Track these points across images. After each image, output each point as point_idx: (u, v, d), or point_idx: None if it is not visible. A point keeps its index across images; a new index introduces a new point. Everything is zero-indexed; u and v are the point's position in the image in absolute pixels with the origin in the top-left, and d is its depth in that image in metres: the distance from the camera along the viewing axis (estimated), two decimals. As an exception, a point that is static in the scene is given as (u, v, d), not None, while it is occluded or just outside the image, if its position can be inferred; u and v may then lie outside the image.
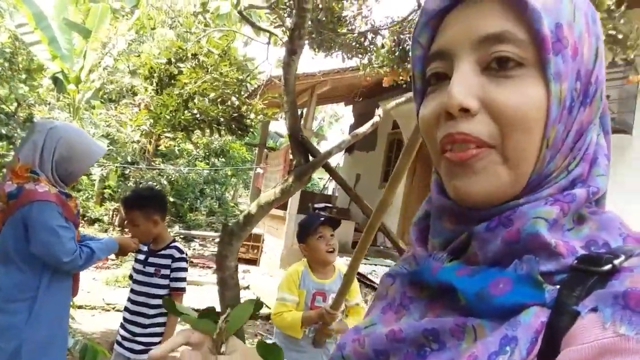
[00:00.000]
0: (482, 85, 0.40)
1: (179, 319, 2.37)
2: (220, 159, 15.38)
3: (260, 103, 5.89)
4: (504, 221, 0.39)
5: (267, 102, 6.11)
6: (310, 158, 3.26)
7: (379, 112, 3.61)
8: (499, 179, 0.40)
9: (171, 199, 11.34)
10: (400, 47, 5.74)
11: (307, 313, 2.11)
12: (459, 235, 0.43)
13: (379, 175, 9.47)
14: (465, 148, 0.40)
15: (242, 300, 2.62)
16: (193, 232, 11.22)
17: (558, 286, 0.36)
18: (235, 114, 5.63)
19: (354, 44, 5.84)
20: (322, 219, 2.26)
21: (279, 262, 8.19)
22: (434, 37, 0.45)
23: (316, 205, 9.38)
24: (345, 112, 22.25)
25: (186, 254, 2.27)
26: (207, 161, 14.89)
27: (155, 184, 9.87)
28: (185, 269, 2.27)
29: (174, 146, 11.35)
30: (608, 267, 0.35)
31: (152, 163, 10.53)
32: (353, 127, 10.60)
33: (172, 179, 11.08)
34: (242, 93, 5.75)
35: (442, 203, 0.45)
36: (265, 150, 11.37)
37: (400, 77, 5.77)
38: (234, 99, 5.60)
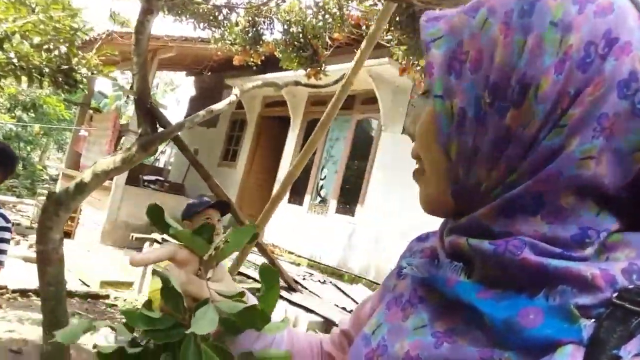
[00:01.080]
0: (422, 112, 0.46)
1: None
2: (29, 113, 13.23)
3: (96, 58, 5.29)
4: (510, 249, 0.37)
5: (102, 59, 5.51)
6: (158, 127, 3.10)
7: (235, 91, 3.60)
8: (425, 189, 0.45)
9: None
10: (255, 29, 5.74)
11: None
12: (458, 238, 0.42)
13: (220, 153, 9.35)
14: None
15: (65, 277, 2.36)
16: (-13, 195, 9.52)
17: (594, 321, 0.33)
18: (65, 66, 4.94)
19: (207, 15, 5.64)
20: (212, 202, 2.37)
21: (100, 237, 7.50)
22: None
23: (146, 178, 8.82)
24: (183, 82, 21.15)
25: (12, 224, 1.97)
26: (13, 114, 12.67)
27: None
28: (7, 241, 2.00)
29: (-30, 91, 9.39)
30: None
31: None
32: (194, 99, 10.21)
33: (-36, 131, 9.18)
34: (75, 44, 5.07)
35: None
36: (90, 110, 10.21)
37: (252, 59, 5.77)
38: (63, 48, 4.90)
